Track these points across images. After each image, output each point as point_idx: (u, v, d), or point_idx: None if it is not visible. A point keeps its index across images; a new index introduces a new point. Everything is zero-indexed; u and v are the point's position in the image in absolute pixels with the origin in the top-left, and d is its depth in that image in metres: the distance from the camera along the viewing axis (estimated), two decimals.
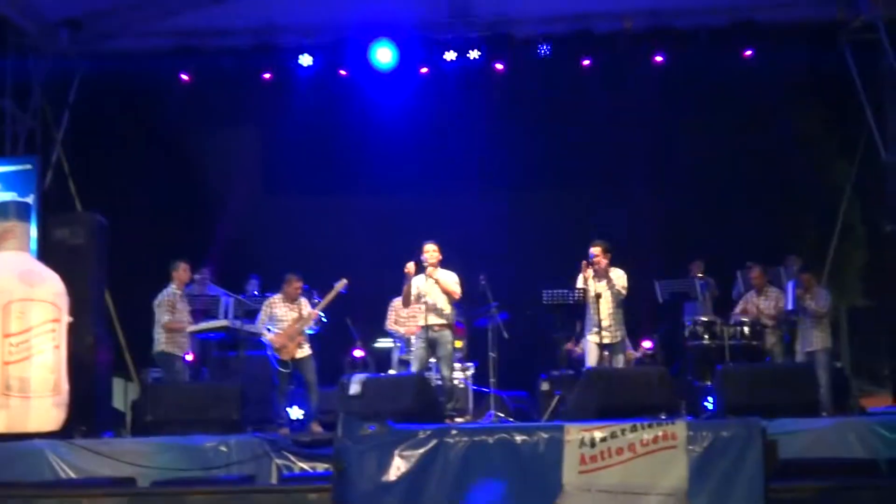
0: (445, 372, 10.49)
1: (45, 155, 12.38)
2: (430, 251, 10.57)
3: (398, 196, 14.18)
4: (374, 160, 14.03)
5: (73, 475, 8.33)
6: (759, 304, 11.65)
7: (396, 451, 5.37)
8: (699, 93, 13.65)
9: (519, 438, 5.31)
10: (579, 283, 10.61)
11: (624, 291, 10.53)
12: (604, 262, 10.49)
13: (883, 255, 15.27)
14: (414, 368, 10.47)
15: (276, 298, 10.91)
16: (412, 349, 10.85)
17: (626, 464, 5.20)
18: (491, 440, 5.35)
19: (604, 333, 10.39)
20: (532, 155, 14.22)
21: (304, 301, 10.93)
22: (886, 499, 5.82)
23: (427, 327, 10.42)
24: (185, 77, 13.17)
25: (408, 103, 13.91)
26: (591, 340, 10.51)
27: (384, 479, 5.34)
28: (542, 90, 13.87)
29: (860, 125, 12.82)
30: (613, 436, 5.25)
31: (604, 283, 10.47)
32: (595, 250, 10.49)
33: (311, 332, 10.96)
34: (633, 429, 5.28)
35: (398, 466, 5.35)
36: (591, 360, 10.48)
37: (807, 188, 15.09)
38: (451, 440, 5.36)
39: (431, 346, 10.43)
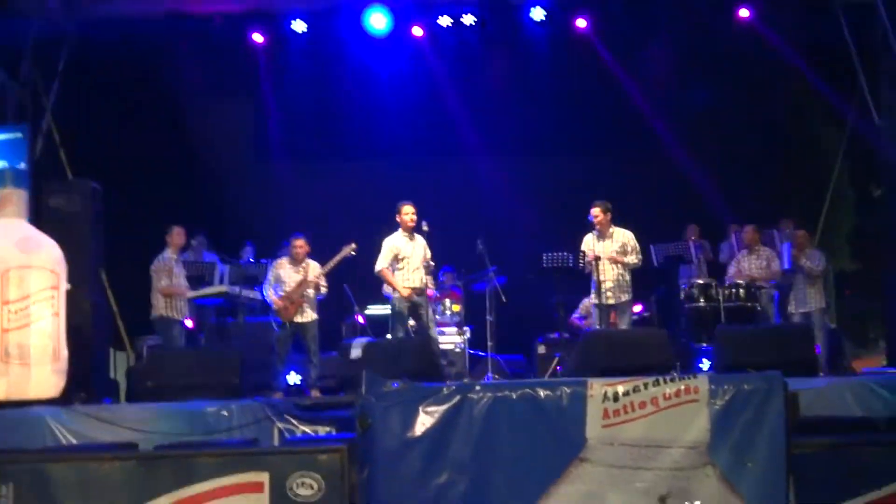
0: (432, 333, 10.52)
1: (36, 123, 12.24)
2: (410, 213, 10.54)
3: (393, 161, 14.15)
4: (368, 126, 14.01)
5: (74, 441, 8.31)
6: (751, 262, 11.70)
7: (421, 407, 5.38)
8: (694, 57, 13.66)
9: (542, 393, 5.33)
10: (582, 247, 10.69)
11: (634, 255, 10.59)
12: (604, 221, 10.58)
13: (871, 219, 15.42)
14: (399, 333, 10.48)
15: (284, 260, 10.78)
16: (394, 312, 10.78)
17: (648, 418, 5.23)
18: (514, 395, 5.36)
19: (607, 294, 10.48)
20: (528, 119, 14.21)
21: (311, 264, 10.79)
22: (890, 454, 5.87)
23: (411, 289, 10.44)
24: (180, 45, 13.07)
25: (402, 69, 13.86)
26: (594, 302, 10.60)
27: (409, 434, 5.35)
28: (538, 54, 13.83)
29: (852, 89, 12.84)
30: (636, 390, 5.27)
31: (605, 243, 10.57)
32: (594, 211, 10.59)
33: (318, 298, 10.85)
34: (656, 383, 5.31)
35: (423, 422, 5.36)
36: (595, 321, 10.58)
37: (799, 153, 15.16)
38: (474, 396, 5.38)
39: (414, 308, 10.45)
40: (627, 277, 10.63)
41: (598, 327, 10.59)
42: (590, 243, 10.74)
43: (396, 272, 10.51)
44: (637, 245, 10.70)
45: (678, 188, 13.83)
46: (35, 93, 12.41)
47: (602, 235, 10.71)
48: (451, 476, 5.30)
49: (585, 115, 13.99)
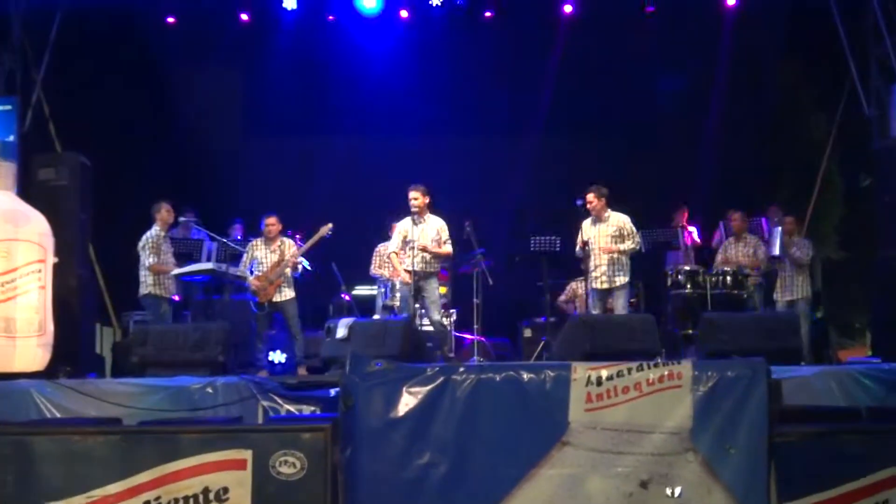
0: (435, 317, 10.52)
1: (25, 96, 12.18)
2: (412, 198, 10.54)
3: (383, 140, 14.12)
4: (358, 104, 13.97)
5: (58, 415, 8.31)
6: (738, 249, 11.72)
7: (404, 388, 5.38)
8: (682, 41, 13.65)
9: (526, 376, 5.33)
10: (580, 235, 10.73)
11: (631, 240, 10.62)
12: (599, 206, 10.60)
13: (859, 209, 15.44)
14: (403, 314, 10.50)
15: (258, 241, 10.88)
16: (397, 294, 10.88)
17: (631, 402, 5.24)
18: (498, 378, 5.37)
19: (602, 279, 10.52)
20: (519, 102, 14.20)
21: (287, 243, 10.84)
22: (871, 443, 5.90)
23: (414, 272, 10.42)
24: (170, 20, 13.02)
25: (394, 49, 13.84)
26: (591, 287, 10.65)
27: (392, 415, 5.36)
28: (526, 35, 13.82)
29: (843, 78, 12.84)
30: (620, 374, 5.28)
31: (600, 227, 10.59)
32: (589, 196, 10.62)
33: (295, 276, 10.91)
34: (640, 368, 5.32)
35: (406, 402, 5.37)
36: (591, 306, 10.62)
37: (788, 141, 15.18)
38: (458, 377, 5.38)
39: (418, 291, 10.45)
40: (624, 259, 10.62)
41: (594, 312, 10.60)
42: (585, 229, 10.76)
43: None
44: (633, 229, 10.70)
45: (667, 174, 13.84)
46: (25, 65, 12.35)
47: (597, 220, 10.72)
48: (433, 457, 5.31)
49: (574, 98, 13.98)
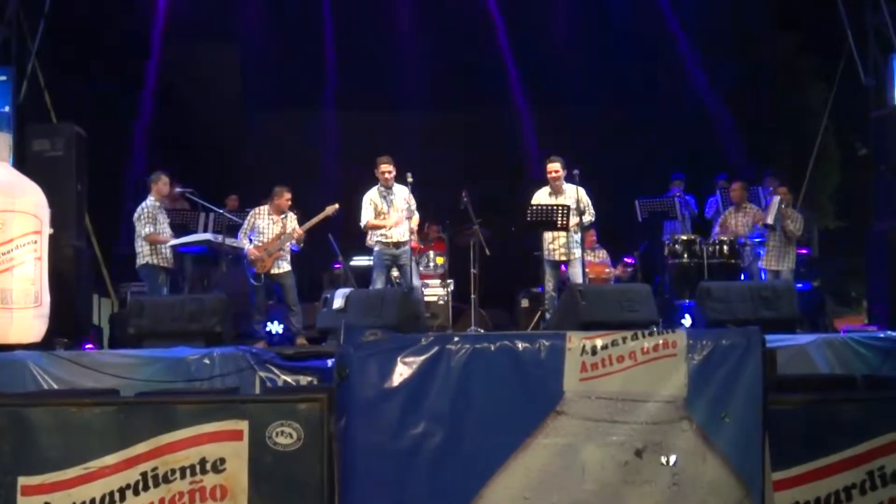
0: (416, 283, 10.63)
1: (20, 66, 12.12)
2: (386, 169, 10.68)
3: (378, 113, 14.10)
4: (354, 78, 13.94)
5: (55, 386, 8.31)
6: (738, 219, 11.72)
7: (399, 358, 5.37)
8: (677, 9, 13.60)
9: (521, 346, 5.31)
10: (533, 202, 10.69)
11: (588, 213, 10.61)
12: (561, 177, 10.66)
13: (856, 178, 15.43)
14: (378, 285, 10.56)
15: (263, 209, 10.85)
16: (376, 264, 10.89)
17: (626, 371, 5.22)
18: (493, 347, 5.34)
19: (560, 251, 10.60)
20: (514, 70, 14.16)
21: (291, 216, 10.85)
22: (866, 411, 5.92)
23: (389, 243, 10.63)
24: None
25: (390, 20, 13.78)
26: (547, 259, 10.68)
27: (386, 385, 5.33)
28: (523, 4, 13.78)
29: (840, 47, 12.80)
30: (614, 343, 5.27)
31: (559, 199, 10.58)
32: (556, 166, 10.62)
33: (293, 249, 10.92)
34: (634, 337, 5.30)
35: (400, 373, 5.34)
36: (547, 277, 10.65)
37: (786, 110, 15.14)
38: (453, 347, 5.35)
39: (395, 260, 10.66)
40: (577, 237, 10.61)
41: (548, 284, 10.67)
42: (542, 199, 10.73)
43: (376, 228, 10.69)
44: (589, 201, 10.68)
45: (664, 143, 13.81)
46: (20, 35, 12.28)
47: (555, 192, 10.71)
48: (427, 427, 5.30)
49: (570, 66, 13.94)
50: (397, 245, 10.67)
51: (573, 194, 10.60)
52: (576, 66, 13.94)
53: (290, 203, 10.83)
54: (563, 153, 10.86)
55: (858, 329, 10.68)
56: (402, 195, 10.73)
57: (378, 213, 10.69)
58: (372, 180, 10.80)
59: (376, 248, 10.76)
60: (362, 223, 10.80)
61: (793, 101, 15.44)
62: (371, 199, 10.76)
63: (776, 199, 11.44)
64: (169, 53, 13.94)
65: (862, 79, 12.40)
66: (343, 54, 14.02)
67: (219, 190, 12.83)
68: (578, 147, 11.19)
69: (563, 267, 10.81)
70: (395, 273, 10.84)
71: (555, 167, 10.66)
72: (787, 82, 15.45)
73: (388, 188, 10.73)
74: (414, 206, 10.76)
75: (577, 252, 10.62)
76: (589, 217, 10.69)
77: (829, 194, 16.35)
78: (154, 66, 13.81)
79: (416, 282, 10.74)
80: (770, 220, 11.29)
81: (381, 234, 10.68)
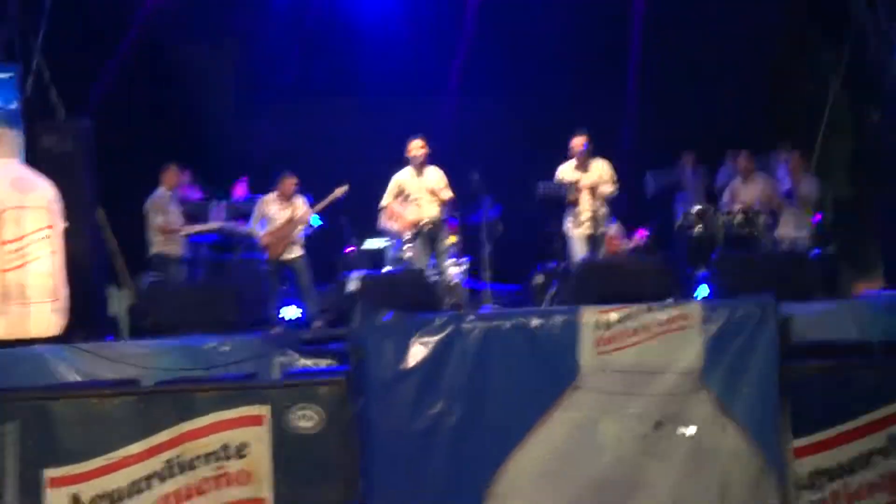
0: (443, 266, 10.56)
1: (26, 63, 12.11)
2: (415, 147, 10.57)
3: (386, 96, 14.02)
4: (362, 60, 13.91)
5: (76, 378, 8.34)
6: (747, 189, 11.67)
7: (414, 338, 5.41)
8: None
9: (535, 322, 5.36)
10: (559, 176, 10.63)
11: (610, 184, 10.57)
12: (588, 151, 10.64)
13: (869, 144, 15.32)
14: (415, 266, 10.54)
15: (270, 197, 10.88)
16: (407, 247, 10.89)
17: (641, 345, 5.27)
18: (507, 325, 5.39)
19: (587, 224, 10.52)
20: (521, 49, 14.09)
21: (299, 201, 10.87)
22: (883, 377, 5.93)
23: (420, 224, 10.50)
24: None
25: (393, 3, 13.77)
26: (575, 233, 10.60)
27: (402, 365, 5.39)
28: None
29: (851, 12, 12.69)
30: (629, 317, 5.31)
31: (587, 173, 10.55)
32: (582, 139, 10.58)
33: (305, 233, 10.94)
34: (649, 310, 5.34)
35: (416, 353, 5.40)
36: (578, 252, 10.61)
37: (797, 77, 15.03)
38: (467, 326, 5.41)
39: (429, 241, 10.55)
40: (603, 210, 10.60)
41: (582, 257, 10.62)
42: (568, 173, 10.70)
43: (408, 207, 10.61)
44: (614, 174, 10.65)
45: (673, 114, 13.73)
46: (24, 31, 12.27)
47: (582, 166, 10.67)
48: (445, 406, 5.34)
49: (577, 43, 13.86)
50: (427, 226, 10.59)
51: (598, 168, 10.59)
52: (580, 42, 13.85)
53: (293, 188, 10.82)
54: (569, 129, 10.83)
55: (876, 293, 10.64)
56: (436, 175, 10.69)
57: (407, 196, 10.61)
58: (378, 163, 10.77)
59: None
60: (381, 204, 10.76)
61: (803, 69, 15.31)
62: (396, 180, 10.69)
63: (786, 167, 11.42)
64: (173, 39, 13.91)
65: (872, 43, 12.28)
66: (350, 39, 13.98)
67: (229, 177, 12.86)
68: (583, 123, 11.11)
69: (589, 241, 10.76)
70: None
71: (582, 140, 10.61)
72: (798, 49, 15.32)
73: (419, 170, 10.64)
74: (446, 183, 10.72)
75: (603, 228, 10.64)
76: (609, 188, 10.66)
77: (842, 161, 16.24)
78: (160, 55, 13.79)
79: (446, 264, 10.70)
80: (785, 187, 11.24)
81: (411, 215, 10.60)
